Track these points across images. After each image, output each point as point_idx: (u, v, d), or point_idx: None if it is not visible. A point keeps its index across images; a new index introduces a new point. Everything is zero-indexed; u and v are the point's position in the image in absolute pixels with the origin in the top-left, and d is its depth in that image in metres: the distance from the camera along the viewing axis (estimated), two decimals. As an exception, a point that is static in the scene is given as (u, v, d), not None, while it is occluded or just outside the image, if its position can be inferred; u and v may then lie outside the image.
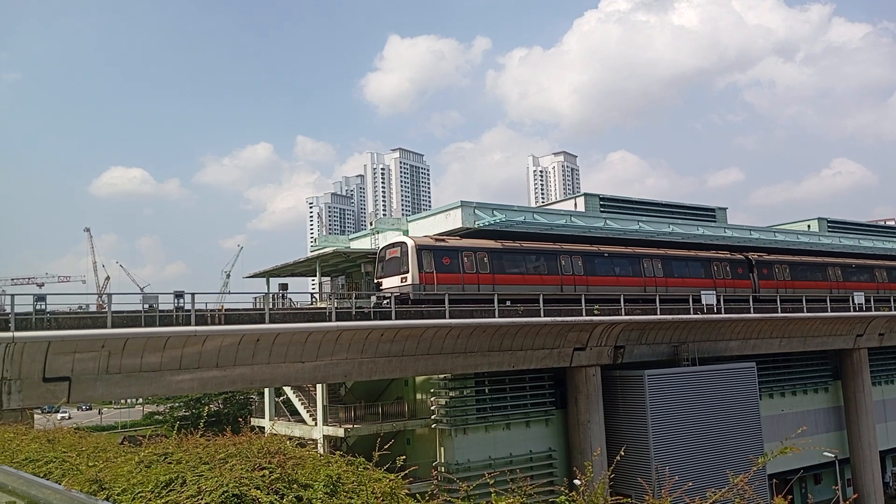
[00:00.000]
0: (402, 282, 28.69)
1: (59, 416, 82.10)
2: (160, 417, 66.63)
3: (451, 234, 32.87)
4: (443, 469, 30.65)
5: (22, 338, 20.05)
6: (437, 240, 30.14)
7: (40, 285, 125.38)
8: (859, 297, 42.75)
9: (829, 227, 54.42)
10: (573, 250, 33.61)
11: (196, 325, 22.64)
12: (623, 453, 9.34)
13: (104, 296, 23.75)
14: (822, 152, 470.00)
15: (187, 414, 57.25)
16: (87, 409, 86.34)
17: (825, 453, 38.38)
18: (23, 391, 20.99)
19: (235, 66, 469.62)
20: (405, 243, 29.49)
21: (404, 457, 6.79)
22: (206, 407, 53.03)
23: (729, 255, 39.40)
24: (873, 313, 43.09)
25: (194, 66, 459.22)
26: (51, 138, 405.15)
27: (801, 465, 39.12)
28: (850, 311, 42.05)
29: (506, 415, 32.86)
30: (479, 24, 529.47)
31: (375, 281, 30.76)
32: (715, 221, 45.92)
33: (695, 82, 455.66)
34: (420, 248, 29.11)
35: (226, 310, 24.18)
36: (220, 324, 23.37)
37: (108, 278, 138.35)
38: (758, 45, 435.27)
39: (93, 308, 26.69)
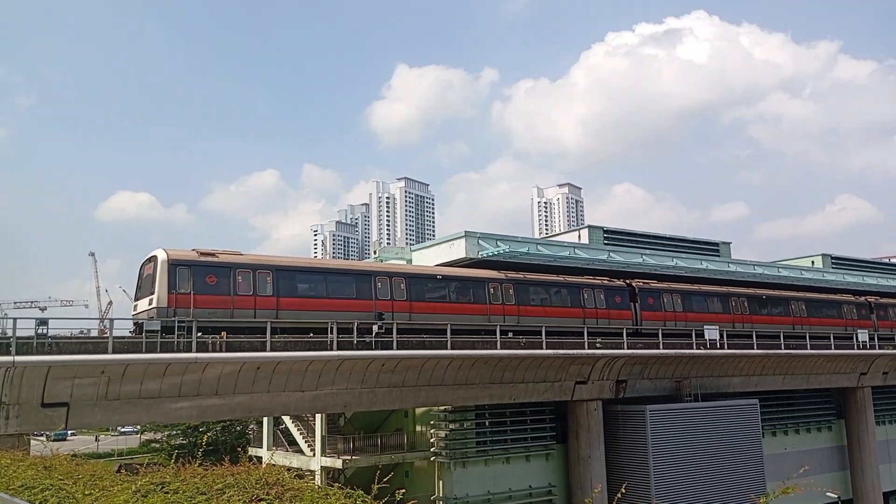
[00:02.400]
0: (149, 304, 24.19)
1: (70, 434, 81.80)
2: (157, 445, 66.08)
3: (454, 264, 32.89)
4: (442, 503, 30.30)
5: (22, 362, 19.98)
6: (203, 254, 25.26)
7: (42, 309, 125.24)
8: (863, 335, 42.50)
9: (833, 263, 54.33)
10: (380, 270, 29.28)
11: (197, 351, 22.57)
12: (624, 490, 9.25)
13: (106, 321, 23.46)
14: (827, 188, 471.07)
15: (185, 442, 56.80)
16: (72, 435, 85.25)
17: (828, 493, 37.85)
18: (20, 416, 20.86)
19: (244, 92, 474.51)
20: (156, 257, 24.75)
21: (403, 490, 6.72)
22: (205, 435, 52.60)
23: (607, 282, 35.27)
24: (877, 351, 42.84)
25: (202, 93, 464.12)
26: (60, 162, 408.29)
27: (804, 506, 38.56)
28: (853, 349, 41.79)
29: (506, 448, 32.53)
30: (487, 55, 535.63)
31: (133, 304, 26.33)
32: (719, 256, 45.89)
33: (701, 116, 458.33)
34: (174, 264, 24.30)
35: (227, 337, 24.10)
36: (221, 351, 23.28)
37: (110, 303, 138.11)
38: (765, 81, 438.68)
39: (94, 333, 26.58)
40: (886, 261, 77.87)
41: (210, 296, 24.39)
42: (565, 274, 34.81)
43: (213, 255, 25.33)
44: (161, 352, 22.18)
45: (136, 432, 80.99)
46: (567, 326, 31.71)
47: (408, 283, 28.84)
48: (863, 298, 47.61)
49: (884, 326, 46.69)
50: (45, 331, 20.92)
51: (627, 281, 36.09)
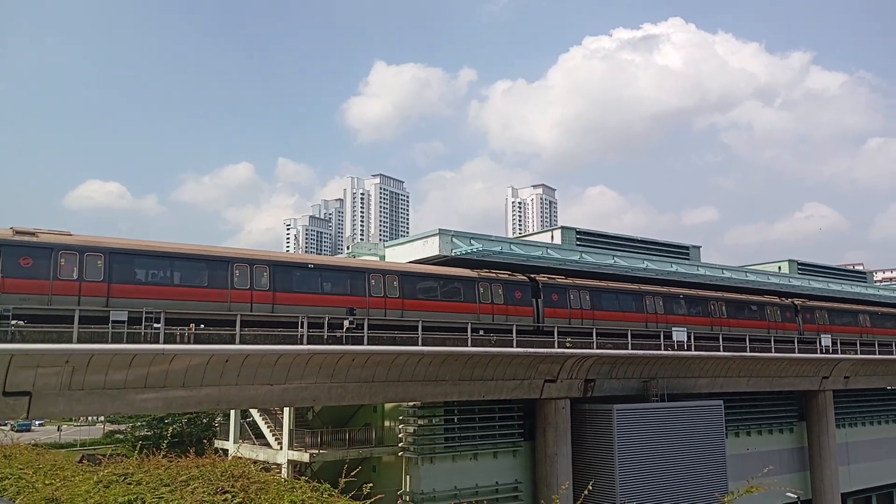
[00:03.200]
0: None
1: (38, 424, 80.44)
2: (121, 436, 65.13)
3: (427, 261, 32.88)
4: (408, 498, 30.32)
5: (-17, 349, 19.58)
6: (19, 232, 22.58)
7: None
8: (826, 340, 43.36)
9: (799, 269, 55.30)
10: (239, 257, 26.18)
11: (164, 343, 22.30)
12: (590, 488, 9.35)
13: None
14: (796, 195, 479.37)
15: (149, 434, 56.06)
16: (40, 425, 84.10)
17: (788, 493, 38.56)
18: (-19, 404, 20.46)
19: (219, 84, 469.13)
20: None
21: (370, 484, 6.72)
22: (170, 427, 51.97)
23: (508, 276, 33.04)
24: (839, 356, 43.72)
25: (177, 84, 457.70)
26: (28, 149, 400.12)
27: (765, 505, 39.30)
28: (817, 353, 42.62)
29: (474, 444, 32.64)
30: (465, 55, 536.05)
31: None
32: (689, 259, 46.46)
33: (676, 121, 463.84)
34: None
35: (195, 329, 23.84)
36: (189, 343, 23.03)
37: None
38: (739, 89, 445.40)
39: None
40: (850, 268, 79.58)
41: (23, 280, 21.99)
42: (525, 272, 34.67)
43: (32, 234, 22.88)
44: (127, 342, 21.89)
45: (101, 423, 79.91)
46: (457, 323, 29.47)
47: (271, 272, 26.16)
48: (788, 300, 45.59)
49: (809, 329, 44.60)
50: (8, 318, 20.47)
51: (530, 275, 33.92)
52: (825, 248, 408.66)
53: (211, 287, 25.01)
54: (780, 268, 54.64)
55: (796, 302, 45.51)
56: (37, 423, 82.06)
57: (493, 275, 32.51)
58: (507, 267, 33.88)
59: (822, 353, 42.87)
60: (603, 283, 36.65)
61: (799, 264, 55.78)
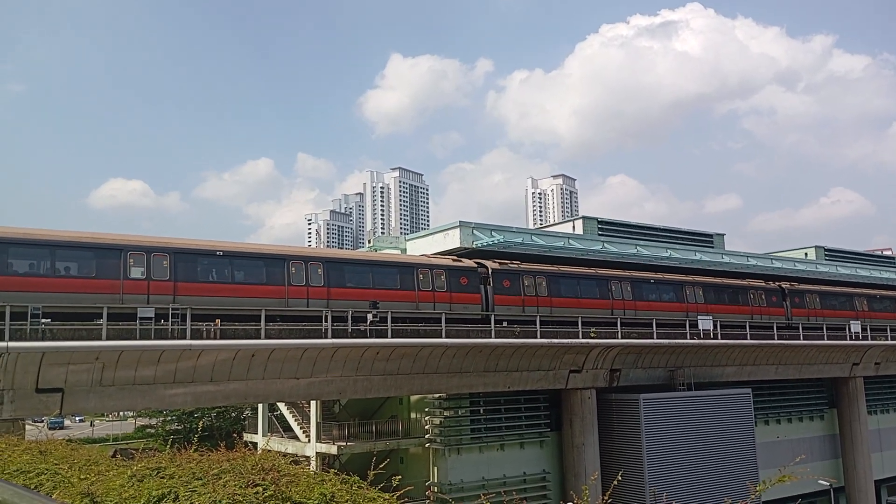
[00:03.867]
0: None
1: (78, 419, 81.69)
2: (152, 431, 66.12)
3: (448, 253, 32.88)
4: (436, 489, 30.44)
5: (16, 348, 19.95)
6: None
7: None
8: (856, 326, 42.72)
9: (826, 255, 54.53)
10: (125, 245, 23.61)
11: (191, 339, 22.55)
12: (620, 478, 9.31)
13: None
14: (821, 181, 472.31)
15: (180, 428, 56.85)
16: (80, 421, 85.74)
17: (820, 482, 38.17)
18: (15, 402, 20.86)
19: (238, 81, 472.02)
20: None
21: (398, 476, 6.74)
22: (200, 421, 52.65)
23: (452, 262, 31.15)
24: (869, 342, 43.08)
25: (196, 81, 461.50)
26: (52, 149, 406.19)
27: (796, 493, 38.82)
28: (846, 339, 42.02)
29: (500, 436, 32.67)
30: (481, 46, 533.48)
31: None
32: (713, 247, 46.01)
33: (696, 108, 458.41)
34: None
35: (221, 324, 24.07)
36: (215, 338, 23.27)
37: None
38: (760, 74, 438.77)
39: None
40: (879, 253, 78.21)
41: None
42: (559, 263, 34.67)
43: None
44: (155, 339, 22.17)
45: (132, 418, 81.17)
46: (395, 312, 27.08)
47: (173, 260, 24.06)
48: (775, 284, 42.81)
49: (798, 315, 42.19)
50: (38, 316, 20.81)
51: (479, 261, 32.09)
52: (852, 233, 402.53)
53: (101, 278, 22.85)
54: (806, 254, 53.91)
55: (783, 285, 43.06)
56: (77, 418, 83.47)
57: (438, 262, 30.67)
58: (529, 258, 33.76)
59: (851, 339, 42.27)
60: (562, 269, 34.25)
61: (826, 250, 55.00)
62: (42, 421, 28.49)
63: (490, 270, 31.32)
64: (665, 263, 38.75)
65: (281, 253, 26.97)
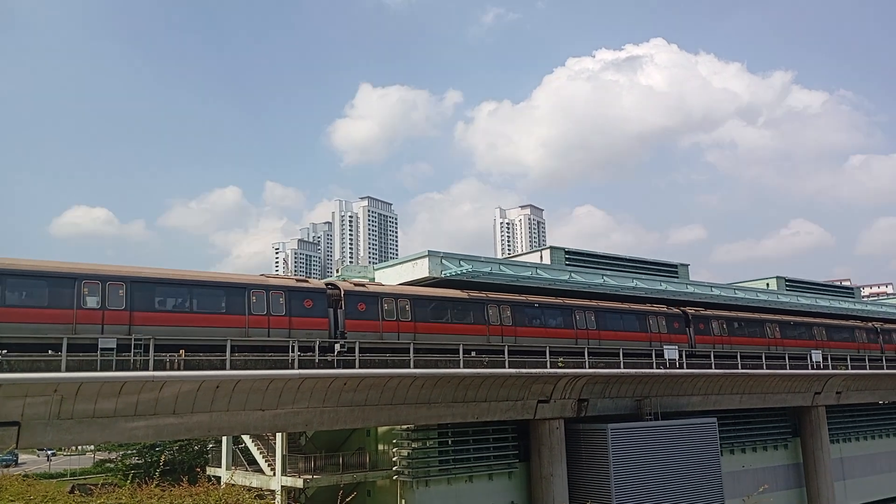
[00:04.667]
0: None
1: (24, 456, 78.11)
2: (112, 465, 64.35)
3: (417, 283, 32.89)
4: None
5: (-29, 380, 19.38)
6: None
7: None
8: (817, 356, 43.52)
9: (787, 285, 55.67)
10: None
11: (154, 370, 22.13)
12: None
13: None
14: (781, 212, 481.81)
15: (140, 462, 55.43)
16: (52, 455, 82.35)
17: (785, 511, 38.56)
18: (-32, 436, 20.22)
19: (205, 107, 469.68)
20: None
21: (365, 509, 6.70)
22: (162, 455, 51.43)
23: (295, 283, 28.44)
24: (830, 371, 43.88)
25: (163, 107, 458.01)
26: (11, 175, 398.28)
27: (761, 523, 39.18)
28: (808, 368, 42.76)
29: (469, 467, 32.45)
30: (451, 77, 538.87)
31: None
32: (678, 277, 46.69)
33: (660, 141, 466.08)
34: None
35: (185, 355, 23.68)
36: (179, 369, 22.88)
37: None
38: (722, 108, 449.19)
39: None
40: (838, 283, 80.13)
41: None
42: (516, 292, 33.86)
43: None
44: (116, 370, 21.72)
45: (91, 451, 78.87)
46: (217, 339, 24.29)
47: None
48: (678, 309, 39.91)
49: (702, 342, 39.44)
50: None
51: (330, 283, 29.75)
52: (813, 263, 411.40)
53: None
54: (767, 284, 55.00)
55: (688, 310, 40.22)
56: (49, 451, 79.29)
57: (274, 282, 27.77)
58: (498, 288, 33.88)
59: (812, 368, 43.03)
60: (429, 291, 31.67)
61: (787, 281, 56.15)
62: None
63: (343, 292, 28.44)
64: (631, 293, 39.17)
65: (71, 272, 23.58)
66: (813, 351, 43.86)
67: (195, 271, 27.07)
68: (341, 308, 28.10)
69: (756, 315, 44.58)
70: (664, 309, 39.24)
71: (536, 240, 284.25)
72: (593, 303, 36.39)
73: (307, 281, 29.86)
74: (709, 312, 41.37)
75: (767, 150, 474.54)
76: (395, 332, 28.96)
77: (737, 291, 47.13)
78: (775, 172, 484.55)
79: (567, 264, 40.79)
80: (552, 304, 34.79)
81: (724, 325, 41.14)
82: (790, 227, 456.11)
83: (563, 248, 42.75)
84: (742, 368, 38.83)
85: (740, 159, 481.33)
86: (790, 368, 41.46)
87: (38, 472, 62.35)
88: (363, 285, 30.05)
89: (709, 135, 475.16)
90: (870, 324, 52.11)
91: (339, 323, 27.90)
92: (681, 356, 36.30)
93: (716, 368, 37.72)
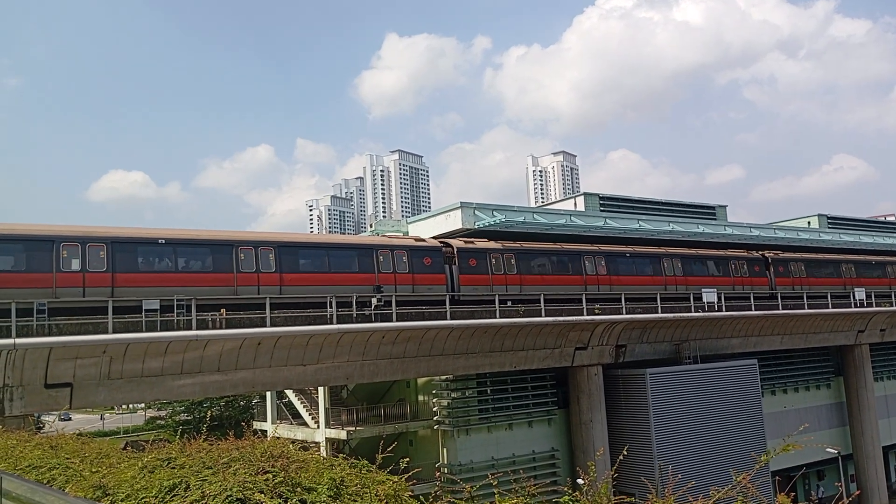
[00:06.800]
0: None
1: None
2: (162, 422, 66.61)
3: (450, 235, 32.87)
4: (446, 470, 30.65)
5: (23, 344, 20.03)
6: None
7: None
8: (860, 293, 42.70)
9: (829, 223, 54.43)
10: None
11: (197, 329, 22.63)
12: (626, 452, 9.34)
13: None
14: (823, 148, 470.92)
15: (189, 418, 57.24)
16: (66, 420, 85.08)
17: (828, 450, 38.40)
18: (25, 398, 20.99)
19: (235, 66, 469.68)
20: None
21: (407, 459, 6.78)
22: (209, 411, 52.99)
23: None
24: (874, 309, 43.10)
25: (193, 70, 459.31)
26: (51, 142, 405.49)
27: (803, 462, 39.12)
28: (850, 307, 42.04)
29: (508, 415, 32.86)
30: (478, 23, 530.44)
31: None
32: (715, 219, 45.93)
33: (696, 78, 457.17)
34: None
35: (227, 314, 24.12)
36: (221, 328, 23.35)
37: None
38: (761, 41, 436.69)
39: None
40: (882, 219, 78.03)
41: None
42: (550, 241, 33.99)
43: None
44: (161, 330, 22.25)
45: (141, 410, 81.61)
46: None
47: (110, 251, 22.69)
48: (758, 254, 40.97)
49: (782, 284, 40.66)
50: (44, 312, 20.87)
51: (443, 241, 30.73)
52: (856, 199, 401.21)
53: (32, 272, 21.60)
54: (809, 223, 53.85)
55: (767, 254, 41.57)
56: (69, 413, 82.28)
57: (396, 241, 28.85)
58: (531, 237, 33.67)
59: (856, 306, 42.29)
60: (532, 245, 32.72)
61: (829, 218, 54.88)
62: (51, 416, 28.62)
63: (455, 249, 30.07)
64: (668, 237, 38.69)
65: (228, 239, 24.98)
66: (856, 289, 43.04)
67: (324, 235, 27.56)
68: (455, 264, 29.80)
69: (833, 256, 44.97)
70: (744, 254, 40.44)
71: (570, 187, 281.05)
72: (681, 250, 37.93)
73: (424, 240, 30.89)
74: (787, 255, 42.46)
75: (809, 84, 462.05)
76: (504, 285, 30.61)
77: (777, 231, 46.25)
78: (816, 106, 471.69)
79: (602, 210, 40.39)
80: (642, 252, 36.01)
81: (803, 267, 42.34)
82: (832, 162, 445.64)
83: (598, 194, 42.26)
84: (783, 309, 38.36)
85: (780, 94, 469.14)
86: (832, 308, 40.78)
87: (92, 430, 64.79)
88: (472, 242, 31.55)
89: (747, 70, 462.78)
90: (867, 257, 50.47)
91: (454, 278, 29.60)
92: (720, 299, 35.89)
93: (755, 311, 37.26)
